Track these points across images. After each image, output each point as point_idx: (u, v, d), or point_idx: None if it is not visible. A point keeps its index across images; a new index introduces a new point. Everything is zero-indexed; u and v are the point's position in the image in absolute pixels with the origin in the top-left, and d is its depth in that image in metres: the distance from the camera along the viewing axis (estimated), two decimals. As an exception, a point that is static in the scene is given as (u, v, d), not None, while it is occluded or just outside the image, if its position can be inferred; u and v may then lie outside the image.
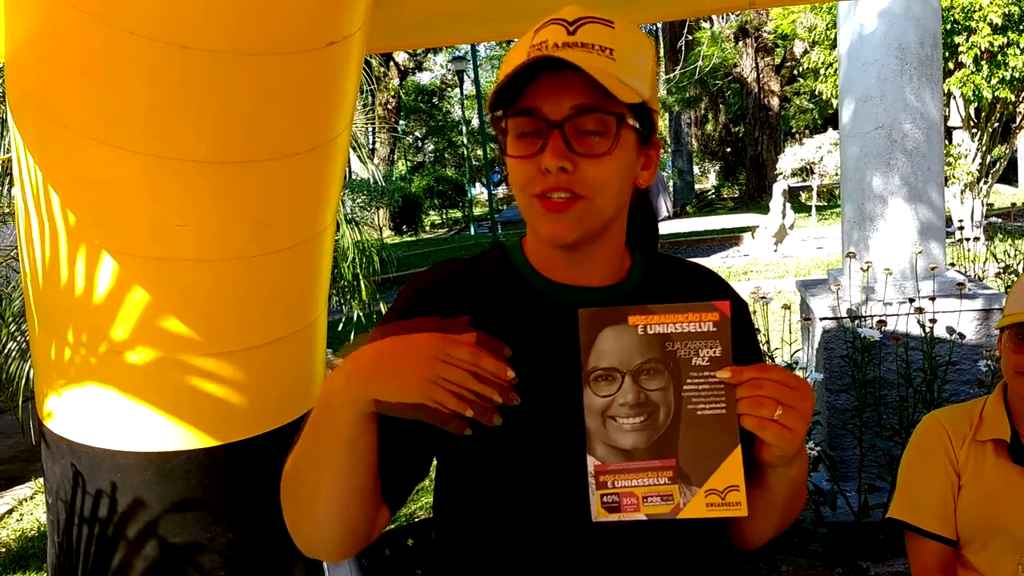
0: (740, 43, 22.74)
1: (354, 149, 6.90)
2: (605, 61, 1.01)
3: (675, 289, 1.18)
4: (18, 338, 4.38)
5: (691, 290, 1.19)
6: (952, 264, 6.25)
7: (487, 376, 0.93)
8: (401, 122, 29.33)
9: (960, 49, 8.93)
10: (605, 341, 0.99)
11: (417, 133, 33.14)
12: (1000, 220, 10.70)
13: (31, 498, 5.37)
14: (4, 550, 4.63)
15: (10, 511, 5.21)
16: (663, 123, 26.23)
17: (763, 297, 3.86)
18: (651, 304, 0.99)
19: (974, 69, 9.04)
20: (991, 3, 8.69)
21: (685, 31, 21.20)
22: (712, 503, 0.98)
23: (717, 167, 30.50)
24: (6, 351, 4.42)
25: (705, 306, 0.99)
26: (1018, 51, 8.94)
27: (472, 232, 22.37)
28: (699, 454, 0.98)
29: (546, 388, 1.06)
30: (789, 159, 17.73)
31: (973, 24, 8.83)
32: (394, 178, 24.89)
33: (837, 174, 14.95)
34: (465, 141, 28.42)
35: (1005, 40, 8.85)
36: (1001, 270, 6.46)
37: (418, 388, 0.92)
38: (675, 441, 0.98)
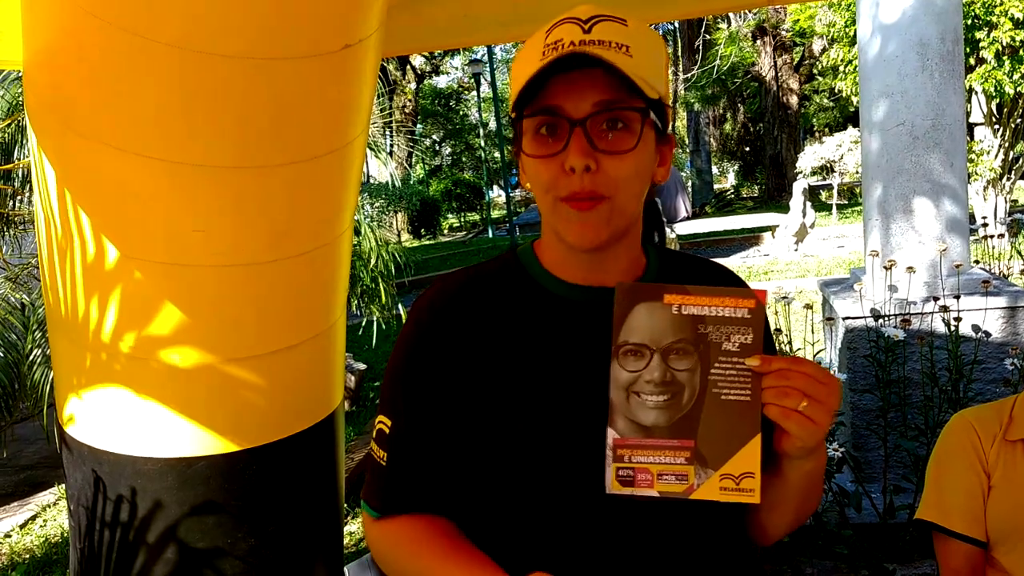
0: (758, 41, 22.62)
1: (373, 152, 6.91)
2: (624, 58, 1.00)
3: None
4: (43, 345, 4.41)
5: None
6: (976, 261, 6.18)
7: None
8: (418, 126, 29.38)
9: (981, 44, 8.83)
10: (638, 317, 0.99)
11: (434, 136, 33.18)
12: (1024, 216, 10.57)
13: (54, 504, 5.41)
14: (28, 556, 4.67)
15: (34, 517, 5.25)
16: (681, 123, 26.14)
17: (784, 297, 3.83)
18: (688, 285, 0.99)
19: (996, 64, 8.93)
20: (1012, -3, 8.59)
21: (703, 30, 21.10)
22: (726, 487, 0.98)
23: (736, 166, 30.31)
24: (31, 358, 4.46)
25: (742, 292, 0.99)
26: (1040, 46, 8.83)
27: (490, 235, 22.35)
28: (718, 438, 0.98)
29: (567, 386, 1.07)
30: (809, 158, 17.57)
31: (994, 19, 8.73)
32: (412, 182, 24.94)
33: (858, 172, 14.84)
34: (482, 144, 28.44)
35: (1026, 35, 8.75)
36: (1026, 267, 6.38)
37: None
38: (696, 423, 0.98)
